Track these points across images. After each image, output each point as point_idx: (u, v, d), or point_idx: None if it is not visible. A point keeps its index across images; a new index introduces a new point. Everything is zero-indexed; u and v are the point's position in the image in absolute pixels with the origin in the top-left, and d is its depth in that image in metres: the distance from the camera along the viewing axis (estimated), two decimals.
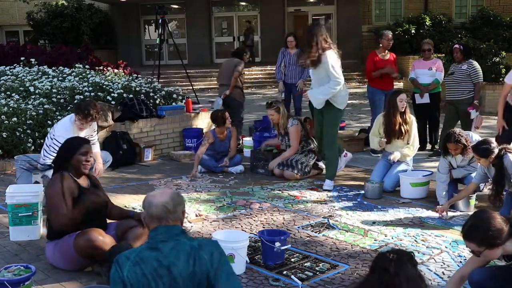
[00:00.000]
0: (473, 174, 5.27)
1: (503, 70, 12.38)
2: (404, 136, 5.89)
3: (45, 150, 5.30)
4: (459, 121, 7.12)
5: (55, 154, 5.01)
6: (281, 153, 6.50)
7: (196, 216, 4.95)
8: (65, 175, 3.69)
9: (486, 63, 12.22)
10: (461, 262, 3.87)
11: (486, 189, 5.26)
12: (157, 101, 8.29)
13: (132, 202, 5.45)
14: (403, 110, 5.85)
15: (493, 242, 2.77)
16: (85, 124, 5.23)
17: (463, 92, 6.99)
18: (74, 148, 3.74)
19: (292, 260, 3.94)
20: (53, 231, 3.73)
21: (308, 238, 4.40)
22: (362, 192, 5.67)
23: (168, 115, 7.93)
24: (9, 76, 8.69)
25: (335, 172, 6.03)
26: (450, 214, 4.95)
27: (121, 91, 7.98)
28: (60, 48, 13.29)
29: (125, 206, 5.15)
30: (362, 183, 5.78)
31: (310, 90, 5.88)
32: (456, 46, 7.27)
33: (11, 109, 7.13)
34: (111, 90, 7.94)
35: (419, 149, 7.67)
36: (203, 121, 8.37)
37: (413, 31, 17.54)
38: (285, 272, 3.72)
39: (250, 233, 4.45)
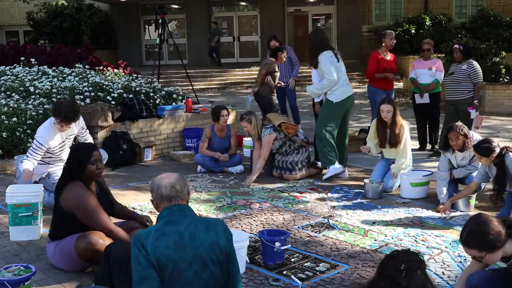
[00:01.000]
0: (474, 174, 5.28)
1: (503, 70, 12.39)
2: (397, 145, 5.82)
3: (29, 149, 5.19)
4: (459, 121, 7.11)
5: (33, 154, 5.00)
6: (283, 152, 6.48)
7: None
8: (81, 184, 3.66)
9: (486, 63, 12.23)
10: (461, 262, 3.87)
11: (488, 187, 5.26)
12: (157, 101, 8.29)
13: (132, 202, 5.45)
14: (387, 120, 5.78)
15: (494, 245, 2.76)
16: (65, 126, 5.04)
17: (463, 92, 6.99)
18: (85, 159, 3.68)
19: (292, 260, 3.94)
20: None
21: (308, 238, 4.40)
22: (362, 192, 5.67)
23: (168, 115, 7.93)
24: (9, 76, 8.69)
25: (330, 159, 6.20)
26: (451, 214, 4.95)
27: (121, 91, 7.98)
28: (60, 48, 13.29)
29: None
30: (362, 183, 5.78)
31: (309, 86, 6.72)
32: (456, 46, 7.27)
33: (11, 109, 7.13)
34: (111, 90, 7.94)
35: (419, 149, 7.71)
36: (203, 121, 8.37)
37: (413, 31, 17.54)
38: (285, 272, 3.72)
39: (250, 233, 4.45)
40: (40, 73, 8.88)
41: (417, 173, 5.85)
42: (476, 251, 2.79)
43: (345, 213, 5.06)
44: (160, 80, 10.23)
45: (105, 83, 8.14)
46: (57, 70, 9.09)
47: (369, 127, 7.85)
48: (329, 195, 5.68)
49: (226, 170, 6.73)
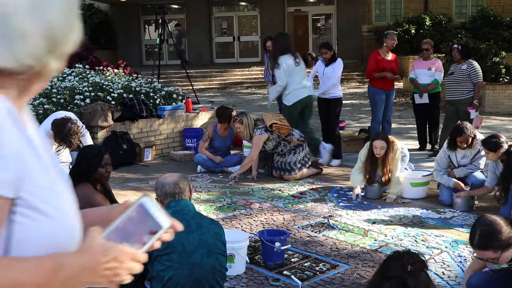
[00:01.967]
0: (475, 173, 5.29)
1: (503, 70, 12.38)
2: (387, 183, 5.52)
3: None
4: (459, 121, 7.11)
5: None
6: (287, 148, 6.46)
7: None
8: (90, 186, 3.67)
9: (486, 63, 12.22)
10: (461, 262, 3.87)
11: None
12: (157, 101, 8.29)
13: None
14: (379, 157, 5.39)
15: (508, 243, 2.68)
16: (57, 143, 5.00)
17: (463, 92, 6.99)
18: (96, 163, 3.69)
19: (292, 260, 3.94)
20: None
21: (308, 238, 4.40)
22: (363, 192, 5.67)
23: (168, 115, 7.93)
24: None
25: (314, 145, 6.82)
26: (450, 214, 4.96)
27: (121, 91, 7.98)
28: None
29: None
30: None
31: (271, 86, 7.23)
32: (455, 46, 7.28)
33: None
34: (111, 90, 7.94)
35: (419, 149, 7.71)
36: (203, 121, 8.37)
37: (413, 31, 17.53)
38: (285, 272, 3.72)
39: (250, 233, 4.45)
40: None
41: (417, 173, 5.85)
42: (492, 252, 2.70)
43: (345, 213, 5.06)
44: (160, 80, 10.23)
45: (105, 83, 8.14)
46: None
47: (369, 127, 7.87)
48: (329, 195, 5.68)
49: (226, 170, 6.73)
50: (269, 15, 21.13)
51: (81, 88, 7.88)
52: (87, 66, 9.24)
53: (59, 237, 1.00)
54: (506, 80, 12.32)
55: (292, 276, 3.61)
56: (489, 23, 17.20)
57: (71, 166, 4.72)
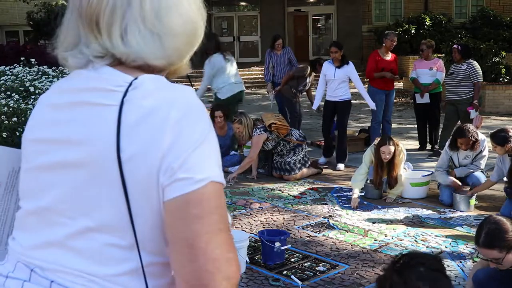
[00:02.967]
0: (476, 173, 5.29)
1: (503, 70, 12.38)
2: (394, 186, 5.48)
3: None
4: (459, 121, 7.12)
5: None
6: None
7: None
8: None
9: (486, 63, 12.22)
10: (461, 262, 3.87)
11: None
12: None
13: None
14: (386, 161, 5.32)
15: None
16: None
17: (463, 92, 6.99)
18: None
19: (292, 260, 3.94)
20: None
21: (308, 238, 4.40)
22: (362, 192, 5.67)
23: None
24: (9, 76, 8.69)
25: None
26: (450, 214, 4.95)
27: None
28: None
29: None
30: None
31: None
32: (455, 46, 7.29)
33: (11, 109, 7.12)
34: None
35: (419, 149, 7.71)
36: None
37: (413, 31, 17.54)
38: (285, 272, 3.72)
39: (250, 233, 4.45)
40: (40, 73, 8.88)
41: (417, 173, 5.85)
42: (497, 252, 2.68)
43: (345, 213, 5.06)
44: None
45: None
46: (57, 70, 9.09)
47: (369, 127, 7.87)
48: (329, 195, 5.68)
49: (226, 170, 6.71)
50: (269, 15, 21.14)
51: None
52: None
53: None
54: (506, 80, 12.32)
55: (292, 276, 3.61)
56: (489, 23, 17.20)
57: None
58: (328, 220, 4.81)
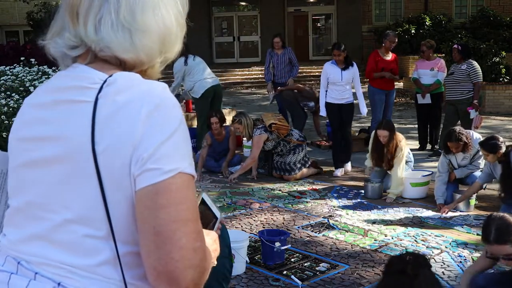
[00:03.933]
0: (476, 173, 5.28)
1: (503, 70, 12.39)
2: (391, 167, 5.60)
3: None
4: (459, 121, 7.12)
5: None
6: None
7: None
8: None
9: (486, 63, 12.23)
10: (461, 262, 3.87)
11: (490, 187, 5.25)
12: None
13: None
14: (384, 143, 5.50)
15: None
16: None
17: (463, 92, 6.99)
18: None
19: (292, 260, 3.94)
20: None
21: (308, 238, 4.40)
22: (362, 192, 5.67)
23: None
24: (9, 76, 8.69)
25: None
26: (450, 214, 4.96)
27: None
28: None
29: None
30: (362, 183, 5.77)
31: None
32: (455, 46, 7.29)
33: (11, 109, 7.12)
34: None
35: (419, 149, 7.71)
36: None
37: (413, 31, 17.53)
38: (285, 272, 3.72)
39: (250, 233, 4.45)
40: (40, 73, 8.88)
41: (417, 173, 5.85)
42: (509, 246, 2.68)
43: (345, 213, 5.06)
44: (160, 80, 10.22)
45: None
46: (57, 70, 9.05)
47: (369, 127, 7.86)
48: (329, 195, 5.68)
49: (227, 170, 6.72)
50: (269, 15, 21.13)
51: None
52: None
53: None
54: (506, 80, 12.32)
55: (292, 276, 3.61)
56: (489, 23, 17.20)
57: None
58: (328, 220, 4.81)
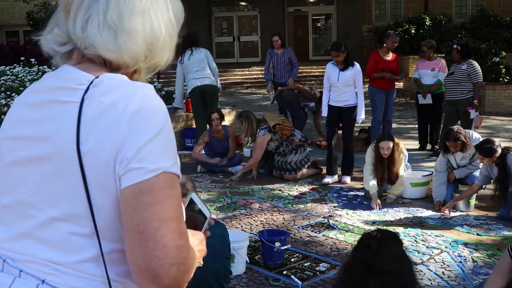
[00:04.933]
0: (476, 173, 5.28)
1: (503, 70, 12.38)
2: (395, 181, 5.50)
3: None
4: (459, 121, 7.12)
5: None
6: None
7: None
8: None
9: (486, 63, 12.22)
10: (460, 262, 3.87)
11: (489, 187, 5.25)
12: None
13: None
14: (386, 157, 5.34)
15: None
16: None
17: (463, 92, 6.99)
18: None
19: (292, 260, 3.94)
20: None
21: (308, 238, 4.40)
22: (362, 192, 5.67)
23: None
24: (9, 76, 8.69)
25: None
26: (450, 214, 4.95)
27: None
28: None
29: None
30: (362, 183, 5.77)
31: None
32: (454, 46, 7.28)
33: None
34: None
35: (419, 149, 7.71)
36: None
37: (413, 31, 17.53)
38: (285, 272, 3.72)
39: (250, 233, 4.45)
40: (40, 73, 8.88)
41: (417, 173, 5.85)
42: None
43: (345, 213, 5.06)
44: (160, 80, 10.24)
45: None
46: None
47: (369, 127, 7.86)
48: (329, 195, 5.68)
49: (226, 170, 6.72)
50: (269, 15, 21.13)
51: None
52: None
53: None
54: (506, 80, 12.32)
55: (292, 276, 3.61)
56: (489, 23, 17.19)
57: None
58: (328, 220, 4.81)
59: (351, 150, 6.35)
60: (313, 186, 6.03)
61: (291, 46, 10.68)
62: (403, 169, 5.53)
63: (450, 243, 4.23)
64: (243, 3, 22.65)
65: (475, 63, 7.07)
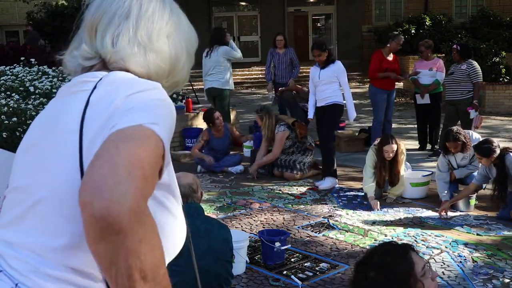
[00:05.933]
0: (476, 173, 5.28)
1: (503, 70, 12.38)
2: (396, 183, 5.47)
3: None
4: (459, 121, 7.12)
5: None
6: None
7: None
8: None
9: (486, 63, 12.22)
10: (460, 262, 3.87)
11: (489, 187, 5.25)
12: None
13: None
14: (389, 160, 5.29)
15: None
16: None
17: (463, 92, 6.99)
18: None
19: (292, 260, 3.94)
20: None
21: (308, 238, 4.40)
22: (362, 192, 5.67)
23: None
24: (9, 76, 8.69)
25: None
26: (450, 214, 4.95)
27: None
28: (60, 48, 13.29)
29: None
30: (362, 183, 5.76)
31: None
32: (454, 46, 7.28)
33: (11, 109, 7.13)
34: None
35: (419, 149, 7.71)
36: (203, 121, 8.35)
37: (413, 31, 17.52)
38: (285, 272, 3.72)
39: (250, 233, 4.45)
40: (40, 73, 8.88)
41: (417, 173, 5.85)
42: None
43: (345, 213, 5.06)
44: None
45: None
46: (57, 70, 9.09)
47: (369, 127, 7.86)
48: (329, 195, 5.68)
49: (226, 170, 6.73)
50: (269, 15, 21.13)
51: None
52: None
53: (175, 238, 1.15)
54: (506, 80, 12.32)
55: (292, 276, 3.61)
56: (489, 23, 17.19)
57: None
58: (328, 220, 4.81)
59: (330, 150, 6.03)
60: (313, 186, 6.02)
61: (291, 46, 10.68)
62: (403, 169, 5.53)
63: (450, 243, 4.23)
64: (243, 3, 22.65)
65: (475, 63, 7.07)
